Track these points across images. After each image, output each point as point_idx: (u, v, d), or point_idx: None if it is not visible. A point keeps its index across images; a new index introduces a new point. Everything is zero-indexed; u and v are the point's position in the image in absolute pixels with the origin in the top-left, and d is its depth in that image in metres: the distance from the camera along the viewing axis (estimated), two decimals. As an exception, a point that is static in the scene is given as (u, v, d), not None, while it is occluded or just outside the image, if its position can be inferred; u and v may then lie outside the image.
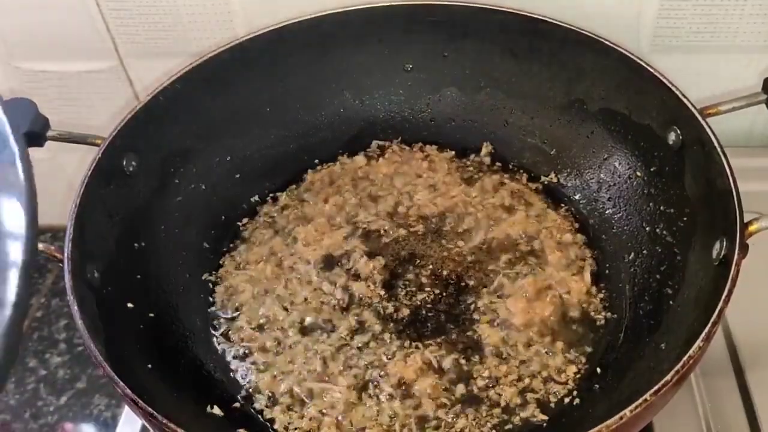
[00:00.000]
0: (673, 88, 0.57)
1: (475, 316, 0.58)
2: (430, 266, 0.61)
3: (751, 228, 0.49)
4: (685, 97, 0.57)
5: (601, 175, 0.64)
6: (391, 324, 0.58)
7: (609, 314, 0.58)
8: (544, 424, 0.53)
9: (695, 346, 0.45)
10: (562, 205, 0.65)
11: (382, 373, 0.55)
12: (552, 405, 0.53)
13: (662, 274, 0.57)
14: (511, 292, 0.59)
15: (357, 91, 0.69)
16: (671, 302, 0.54)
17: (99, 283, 0.53)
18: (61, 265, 0.50)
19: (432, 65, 0.69)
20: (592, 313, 0.58)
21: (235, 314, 0.60)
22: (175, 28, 0.70)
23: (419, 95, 0.70)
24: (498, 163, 0.68)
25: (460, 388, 0.54)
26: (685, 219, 0.57)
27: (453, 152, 0.69)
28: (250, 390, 0.56)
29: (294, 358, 0.56)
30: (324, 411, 0.53)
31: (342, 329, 0.57)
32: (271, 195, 0.67)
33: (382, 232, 0.63)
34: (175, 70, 0.62)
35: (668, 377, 0.44)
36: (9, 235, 0.27)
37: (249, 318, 0.59)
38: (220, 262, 0.63)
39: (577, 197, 0.65)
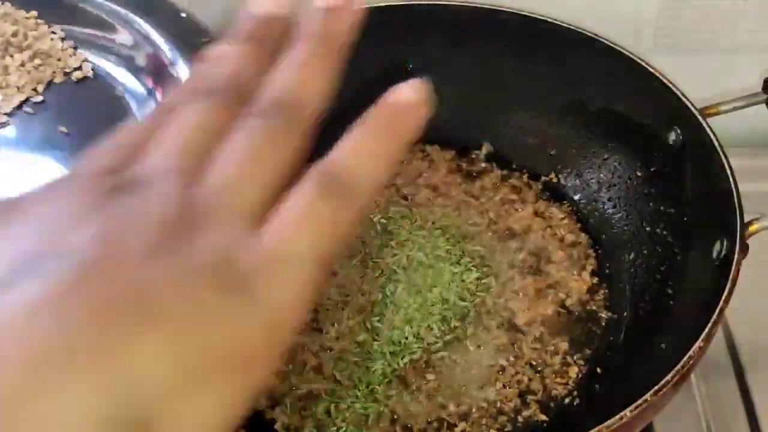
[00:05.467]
0: (673, 88, 0.57)
1: (476, 315, 0.58)
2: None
3: (752, 228, 0.50)
4: (685, 97, 0.57)
5: (602, 175, 0.64)
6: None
7: (609, 314, 0.58)
8: (545, 425, 0.53)
9: (695, 346, 0.45)
10: (563, 204, 0.65)
11: (382, 373, 0.55)
12: (552, 405, 0.54)
13: (662, 274, 0.57)
14: (512, 292, 0.59)
15: (357, 92, 0.69)
16: (671, 302, 0.54)
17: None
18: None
19: (432, 65, 0.68)
20: (593, 313, 0.58)
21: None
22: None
23: (419, 95, 0.70)
24: (498, 163, 0.68)
25: (461, 389, 0.54)
26: (685, 219, 0.57)
27: (453, 152, 0.69)
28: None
29: (293, 358, 0.56)
30: (326, 412, 0.53)
31: (334, 331, 0.57)
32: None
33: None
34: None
35: (668, 377, 0.44)
36: None
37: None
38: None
39: (577, 197, 0.65)
